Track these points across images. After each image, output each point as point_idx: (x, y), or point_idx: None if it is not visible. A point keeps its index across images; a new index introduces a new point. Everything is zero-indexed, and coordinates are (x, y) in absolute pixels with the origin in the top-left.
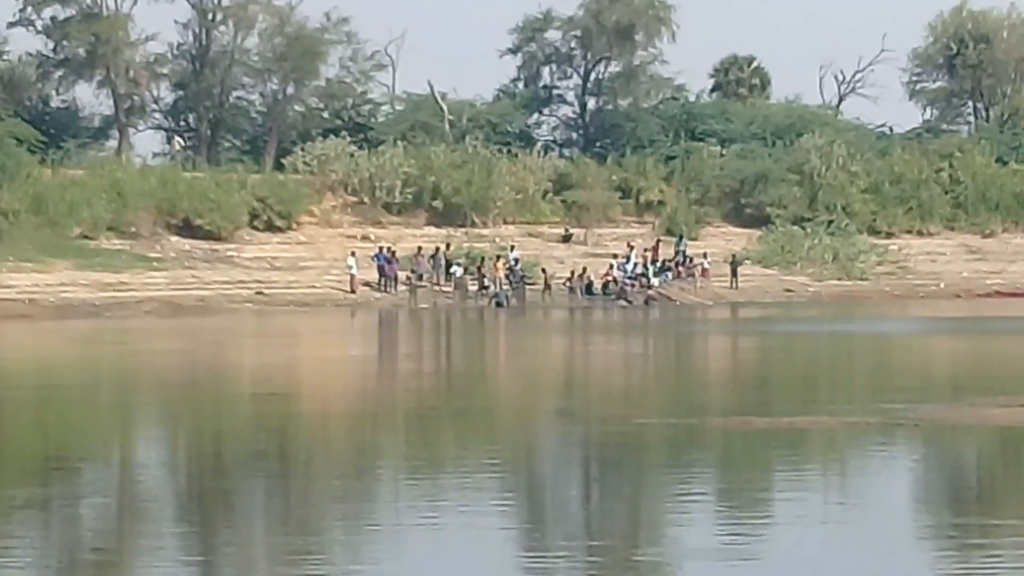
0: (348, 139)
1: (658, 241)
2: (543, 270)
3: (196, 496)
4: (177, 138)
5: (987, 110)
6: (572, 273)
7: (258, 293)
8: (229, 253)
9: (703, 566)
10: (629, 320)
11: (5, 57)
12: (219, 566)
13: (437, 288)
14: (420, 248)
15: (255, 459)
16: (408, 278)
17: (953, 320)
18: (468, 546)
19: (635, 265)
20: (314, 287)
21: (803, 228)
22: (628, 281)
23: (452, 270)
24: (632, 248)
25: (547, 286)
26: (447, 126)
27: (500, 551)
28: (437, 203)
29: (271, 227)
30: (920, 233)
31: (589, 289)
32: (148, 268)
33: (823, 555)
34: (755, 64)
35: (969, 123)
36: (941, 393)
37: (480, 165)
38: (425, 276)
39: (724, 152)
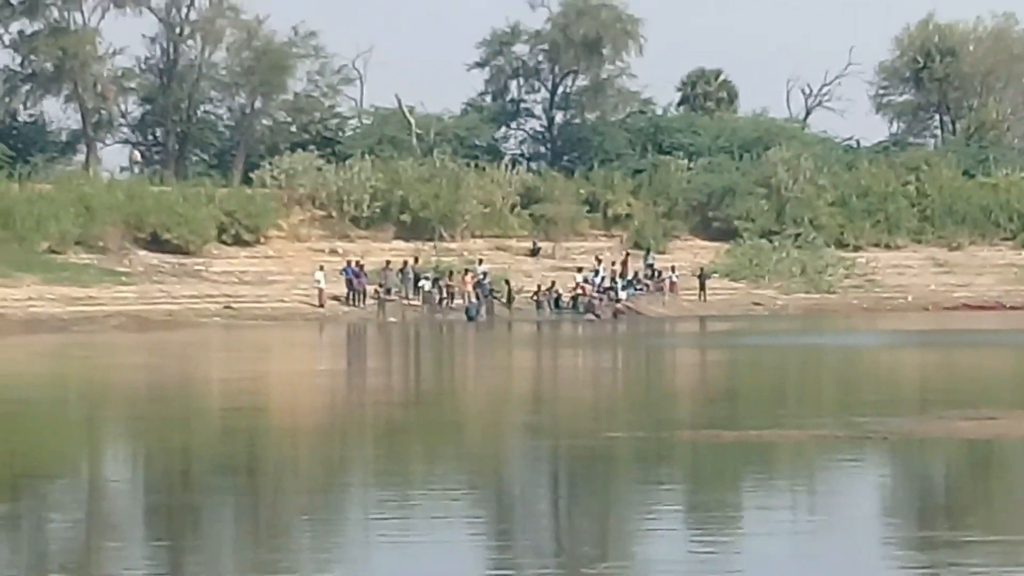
0: (316, 153)
1: (627, 255)
2: (506, 282)
3: (164, 512)
4: (135, 151)
5: (953, 123)
6: (539, 287)
7: (226, 307)
8: (197, 267)
9: None
10: (598, 334)
11: None
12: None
13: (405, 302)
14: (388, 262)
15: (223, 474)
16: (376, 292)
17: (921, 333)
18: (436, 561)
19: (603, 279)
20: (282, 301)
21: (770, 241)
22: (596, 295)
23: (420, 284)
24: (600, 262)
25: (510, 299)
26: (415, 140)
27: (468, 566)
28: (405, 217)
29: (239, 241)
30: (887, 246)
31: (558, 303)
32: (116, 282)
33: (794, 568)
34: (722, 78)
35: (936, 136)
36: (909, 406)
37: (448, 179)
38: (393, 290)
39: (691, 165)
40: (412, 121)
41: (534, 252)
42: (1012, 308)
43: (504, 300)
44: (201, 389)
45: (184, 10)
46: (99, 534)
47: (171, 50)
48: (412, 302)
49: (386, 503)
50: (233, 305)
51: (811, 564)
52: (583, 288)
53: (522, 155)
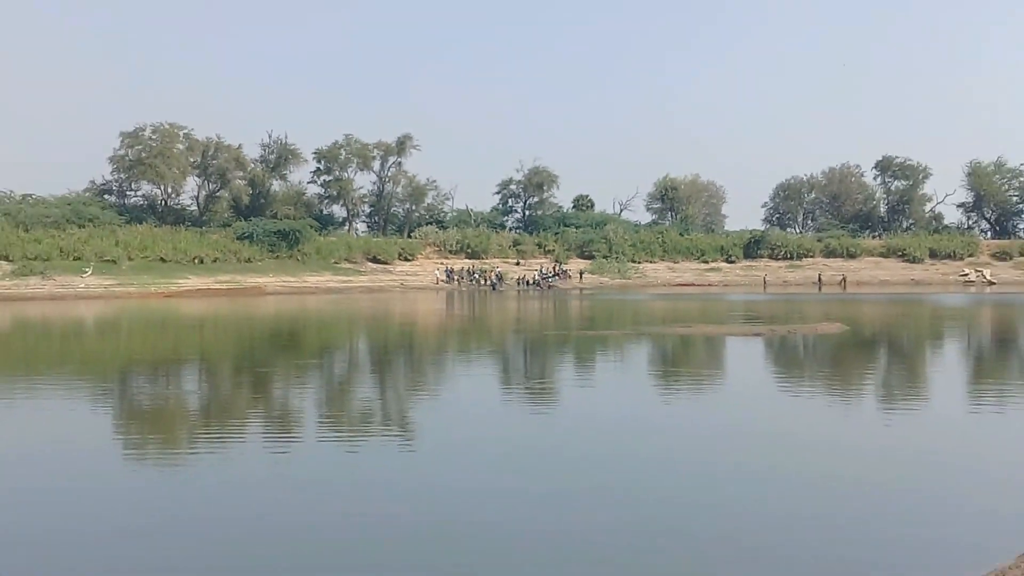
0: (435, 226)
1: (554, 264)
2: (501, 274)
3: (376, 362)
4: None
5: (676, 215)
6: (518, 277)
7: (401, 284)
8: (389, 269)
9: (568, 389)
10: (542, 295)
11: (305, 196)
12: (386, 387)
13: (470, 282)
14: (463, 267)
15: (400, 347)
16: (457, 279)
17: (663, 295)
18: (478, 380)
19: (544, 273)
20: (422, 282)
21: (607, 260)
22: (542, 280)
23: (474, 275)
24: (542, 266)
25: (502, 281)
26: (473, 222)
27: (492, 381)
28: (468, 251)
29: (407, 259)
30: (650, 262)
31: (527, 283)
32: (359, 275)
33: (616, 382)
34: (588, 197)
35: (670, 220)
36: (658, 321)
37: (484, 237)
38: (465, 278)
39: (576, 231)
40: (471, 214)
41: (517, 264)
42: (698, 285)
43: (502, 281)
44: (391, 314)
45: (387, 171)
46: (352, 369)
47: (381, 187)
48: (470, 282)
49: (459, 356)
50: (404, 284)
51: (622, 379)
52: (543, 276)
53: (513, 228)
